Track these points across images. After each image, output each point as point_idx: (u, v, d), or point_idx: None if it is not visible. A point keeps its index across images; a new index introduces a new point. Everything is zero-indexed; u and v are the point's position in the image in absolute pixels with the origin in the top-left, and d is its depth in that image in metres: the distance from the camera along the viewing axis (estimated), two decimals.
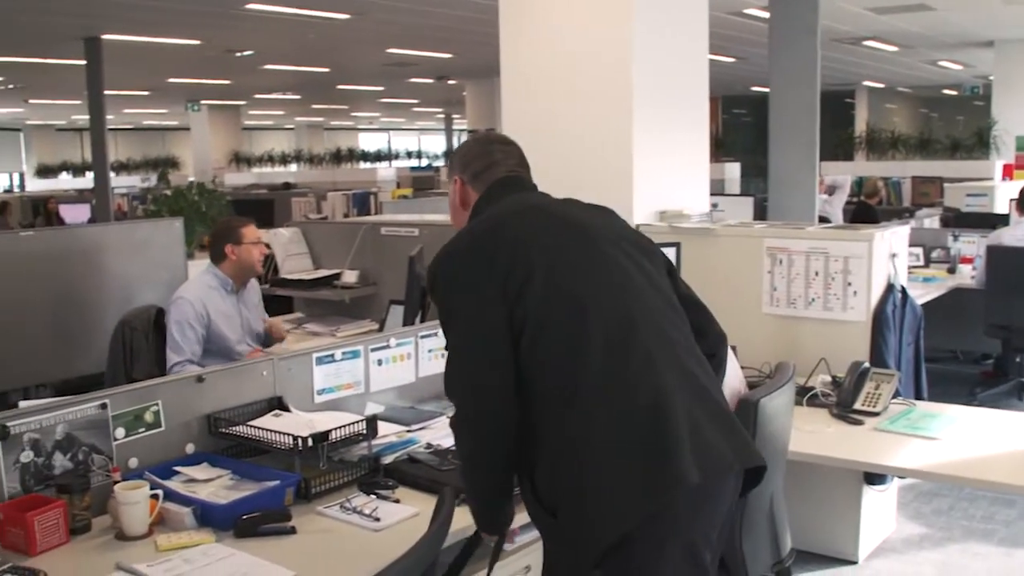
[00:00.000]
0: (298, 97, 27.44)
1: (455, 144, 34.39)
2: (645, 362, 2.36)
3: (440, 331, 4.04)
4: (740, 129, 29.11)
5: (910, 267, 5.81)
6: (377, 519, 2.90)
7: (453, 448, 3.47)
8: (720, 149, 22.66)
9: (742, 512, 3.14)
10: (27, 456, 2.87)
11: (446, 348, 2.54)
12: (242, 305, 5.15)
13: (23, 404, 2.99)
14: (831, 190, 11.12)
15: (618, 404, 2.33)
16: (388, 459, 3.33)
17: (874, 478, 4.69)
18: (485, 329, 2.42)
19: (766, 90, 8.65)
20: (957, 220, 10.01)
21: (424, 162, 37.75)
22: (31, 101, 25.20)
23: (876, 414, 4.06)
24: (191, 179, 20.81)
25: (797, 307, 4.82)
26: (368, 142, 40.93)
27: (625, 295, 2.45)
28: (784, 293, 4.86)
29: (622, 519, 2.27)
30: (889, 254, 4.80)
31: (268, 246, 6.33)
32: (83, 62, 14.98)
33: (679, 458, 2.26)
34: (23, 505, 2.77)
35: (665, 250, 2.94)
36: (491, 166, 2.74)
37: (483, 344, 2.43)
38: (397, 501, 3.05)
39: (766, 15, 8.95)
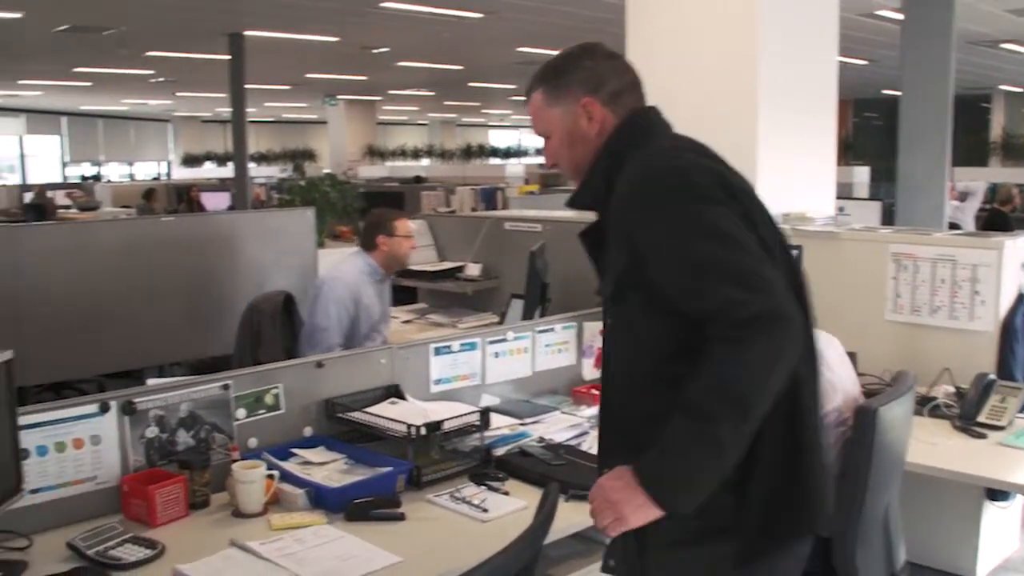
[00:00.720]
0: (431, 93, 27.68)
1: None
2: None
3: (557, 326, 4.06)
4: (871, 132, 28.41)
5: None
6: (485, 510, 2.88)
7: (566, 443, 3.46)
8: (849, 152, 22.16)
9: (856, 523, 3.05)
10: (152, 432, 2.94)
11: (689, 266, 1.97)
12: (384, 295, 5.20)
13: (150, 382, 3.07)
14: (963, 196, 10.79)
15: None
16: (500, 451, 3.31)
17: (997, 494, 4.52)
18: (743, 232, 1.99)
19: (896, 93, 8.42)
20: None
21: None
22: (179, 94, 25.92)
23: (1001, 428, 3.89)
24: (325, 170, 21.21)
25: (921, 315, 4.66)
26: (499, 139, 41.13)
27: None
28: (908, 300, 4.71)
29: (826, 522, 2.14)
30: (1020, 263, 4.63)
31: None
32: (227, 57, 15.37)
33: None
34: (146, 478, 2.84)
35: None
36: (633, 87, 2.26)
37: (747, 238, 1.98)
38: (506, 494, 3.03)
39: (899, 16, 8.72)
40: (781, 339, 1.90)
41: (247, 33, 14.77)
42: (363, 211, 10.13)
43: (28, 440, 2.68)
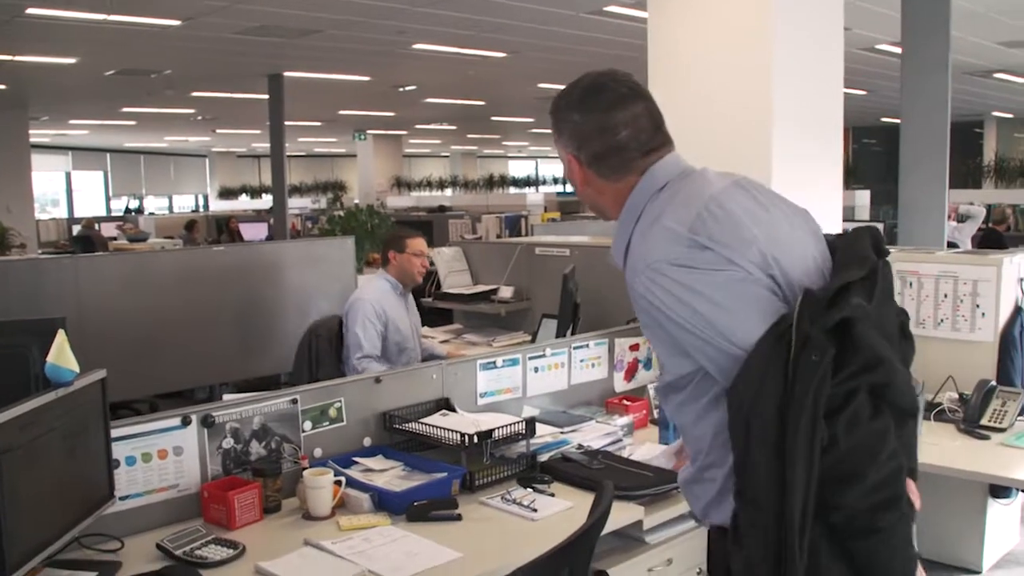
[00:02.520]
0: (454, 127, 27.77)
1: None
2: None
3: (591, 342, 4.16)
4: (870, 158, 28.36)
5: None
6: (535, 510, 2.97)
7: (603, 448, 3.55)
8: (851, 177, 22.14)
9: None
10: (228, 443, 3.05)
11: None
12: (409, 308, 5.32)
13: (226, 397, 3.17)
14: (962, 218, 10.84)
15: None
16: (543, 457, 3.40)
17: (999, 491, 4.60)
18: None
19: (895, 121, 8.48)
20: None
21: (569, 188, 37.86)
22: (218, 131, 26.09)
23: (1002, 430, 3.97)
24: (355, 201, 21.35)
25: (926, 327, 4.75)
26: (517, 169, 41.22)
27: None
28: (914, 314, 4.79)
29: None
30: (1017, 278, 4.72)
31: (432, 262, 6.49)
32: (266, 96, 15.52)
33: None
34: (224, 485, 2.94)
35: None
36: (619, 150, 2.05)
37: None
38: (552, 495, 3.12)
39: (897, 50, 8.78)
40: None
41: (286, 74, 14.91)
42: None
43: (119, 451, 2.79)
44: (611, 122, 2.01)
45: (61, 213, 28.50)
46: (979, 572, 4.61)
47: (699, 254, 1.83)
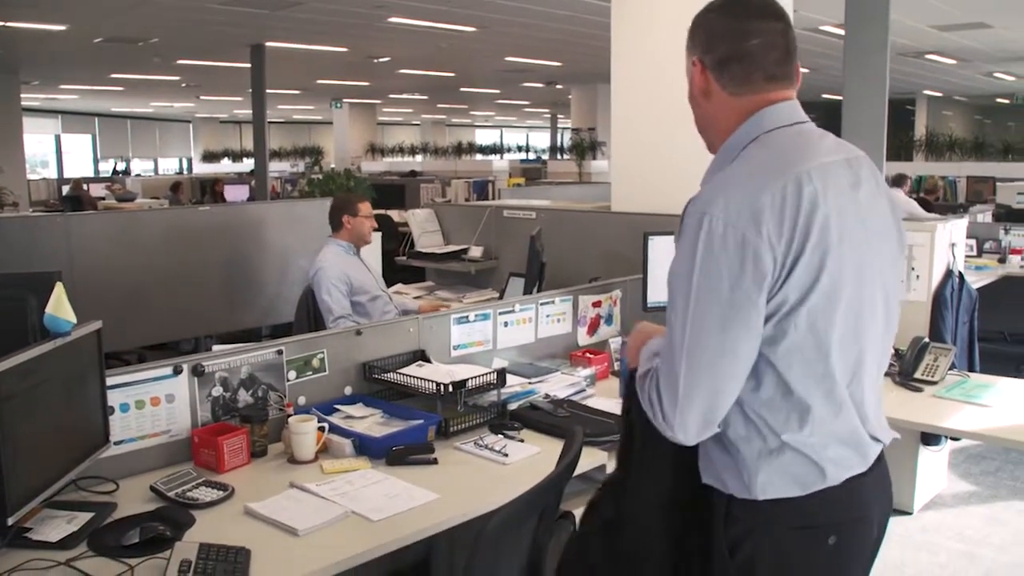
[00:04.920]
0: (425, 97, 27.63)
1: (559, 140, 34.27)
2: None
3: (556, 299, 4.15)
4: None
5: (964, 256, 5.73)
6: (506, 455, 2.95)
7: (567, 398, 3.55)
8: None
9: None
10: (217, 391, 3.01)
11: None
12: (366, 264, 5.27)
13: (215, 348, 3.12)
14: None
15: None
16: (513, 405, 3.38)
17: (930, 439, 4.67)
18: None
19: (835, 97, 8.53)
20: (1008, 216, 9.80)
21: (532, 155, 37.77)
22: (201, 98, 25.78)
23: (934, 383, 4.02)
24: (332, 166, 21.18)
25: None
26: (483, 137, 41.06)
27: None
28: None
29: None
30: (949, 243, 4.77)
31: (406, 224, 6.44)
32: (248, 66, 15.30)
33: None
34: (214, 431, 2.90)
35: None
36: (747, 58, 1.85)
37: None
38: (522, 441, 3.10)
39: (840, 32, 8.79)
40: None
41: (268, 44, 14.71)
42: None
43: (113, 399, 2.74)
44: (746, 27, 1.83)
45: (51, 174, 28.08)
46: (910, 513, 4.68)
47: (744, 248, 1.67)
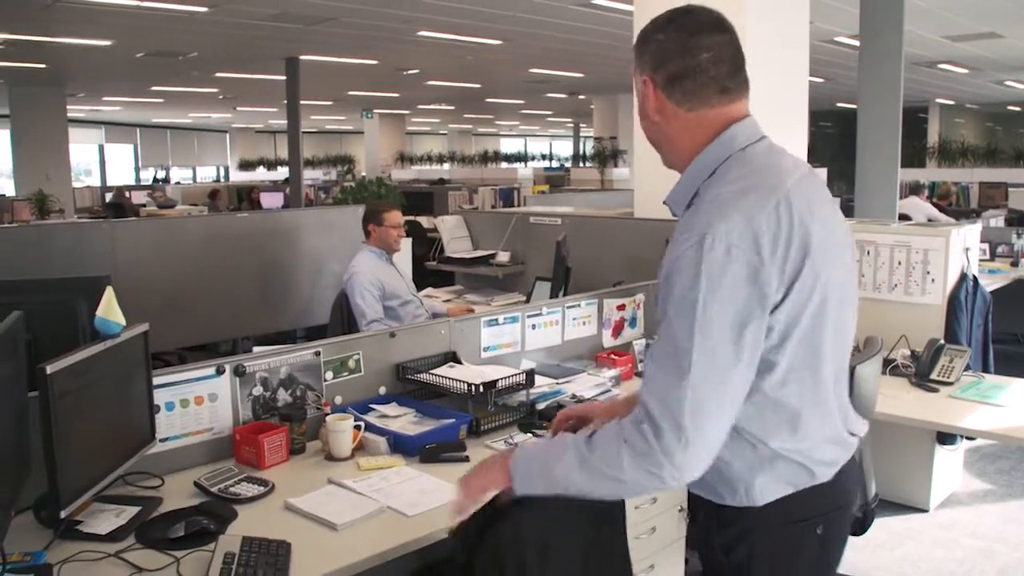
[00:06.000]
0: (452, 108, 27.64)
1: (582, 149, 34.22)
2: None
3: (582, 302, 4.14)
4: (826, 139, 28.32)
5: (978, 260, 5.70)
6: None
7: (593, 398, 3.53)
8: (810, 157, 22.06)
9: None
10: (258, 390, 3.02)
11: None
12: (399, 270, 5.28)
13: (256, 349, 3.13)
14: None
15: None
16: (541, 405, 3.38)
17: (945, 439, 4.63)
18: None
19: (850, 106, 8.49)
20: (1020, 220, 9.79)
21: (555, 163, 37.77)
22: (238, 109, 25.91)
23: (950, 384, 4.00)
24: (363, 174, 21.25)
25: (882, 291, 4.78)
26: (508, 146, 41.08)
27: None
28: (871, 279, 4.83)
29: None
30: (963, 248, 4.74)
31: (435, 230, 6.42)
32: (283, 78, 15.38)
33: None
34: (255, 429, 2.92)
35: None
36: (697, 71, 1.80)
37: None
38: None
39: (854, 43, 8.75)
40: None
41: (302, 57, 14.80)
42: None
43: (159, 397, 2.76)
44: (694, 43, 1.77)
45: (94, 182, 28.30)
46: (927, 510, 4.64)
47: (747, 269, 1.62)
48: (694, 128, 1.80)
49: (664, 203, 1.89)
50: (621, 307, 4.31)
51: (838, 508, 1.85)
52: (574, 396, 3.52)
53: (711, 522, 1.83)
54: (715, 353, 1.60)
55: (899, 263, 4.75)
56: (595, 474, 1.68)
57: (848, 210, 8.32)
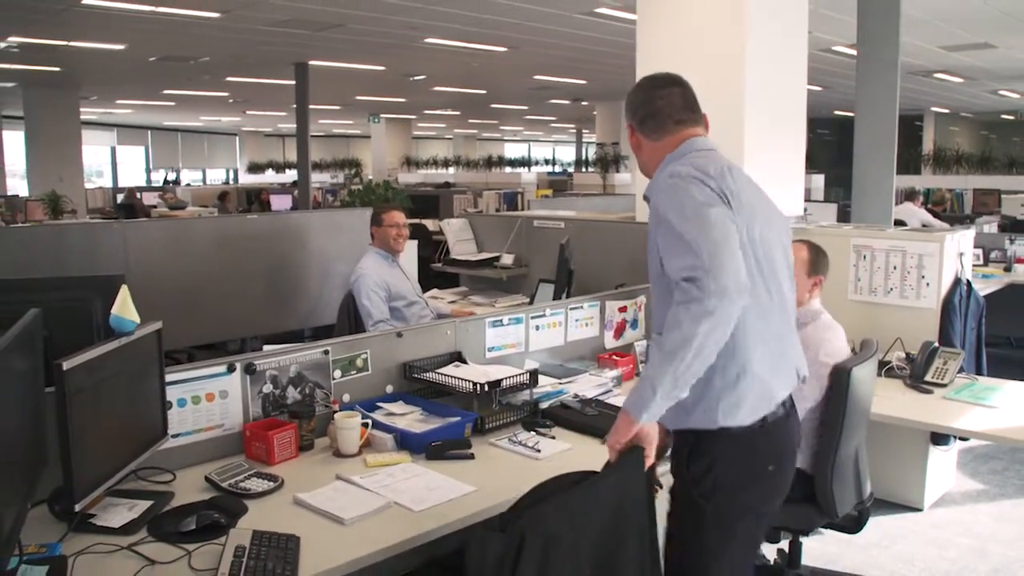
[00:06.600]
0: (458, 113, 27.65)
1: (584, 154, 34.22)
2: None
3: (585, 304, 4.15)
4: (823, 146, 28.30)
5: (972, 265, 5.70)
6: (538, 450, 2.97)
7: (596, 397, 3.55)
8: (808, 163, 22.00)
9: (833, 462, 3.15)
10: (268, 388, 3.04)
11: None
12: (405, 271, 5.28)
13: (266, 348, 3.14)
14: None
15: None
16: (544, 404, 3.40)
17: (939, 439, 4.63)
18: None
19: (847, 114, 8.48)
20: (1013, 226, 9.79)
21: (558, 168, 37.75)
22: (248, 112, 25.92)
23: (944, 385, 4.02)
24: (370, 177, 21.25)
25: (877, 295, 4.79)
26: (512, 151, 41.07)
27: None
28: (867, 283, 4.84)
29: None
30: (957, 253, 4.74)
31: (440, 232, 6.41)
32: (292, 83, 15.39)
33: None
34: (264, 426, 2.94)
35: None
36: (657, 114, 2.47)
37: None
38: (553, 438, 3.12)
39: (852, 52, 8.74)
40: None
41: (311, 63, 14.79)
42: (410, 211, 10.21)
43: (171, 394, 2.78)
44: (653, 95, 2.47)
45: (106, 183, 28.30)
46: (921, 509, 4.64)
47: (707, 188, 2.23)
48: (659, 149, 2.46)
49: (643, 197, 2.42)
50: (623, 309, 4.32)
51: (783, 454, 2.37)
52: (576, 395, 3.53)
53: (686, 455, 2.31)
54: (703, 221, 2.13)
55: (895, 267, 4.76)
56: (675, 349, 2.05)
57: (845, 215, 8.33)
